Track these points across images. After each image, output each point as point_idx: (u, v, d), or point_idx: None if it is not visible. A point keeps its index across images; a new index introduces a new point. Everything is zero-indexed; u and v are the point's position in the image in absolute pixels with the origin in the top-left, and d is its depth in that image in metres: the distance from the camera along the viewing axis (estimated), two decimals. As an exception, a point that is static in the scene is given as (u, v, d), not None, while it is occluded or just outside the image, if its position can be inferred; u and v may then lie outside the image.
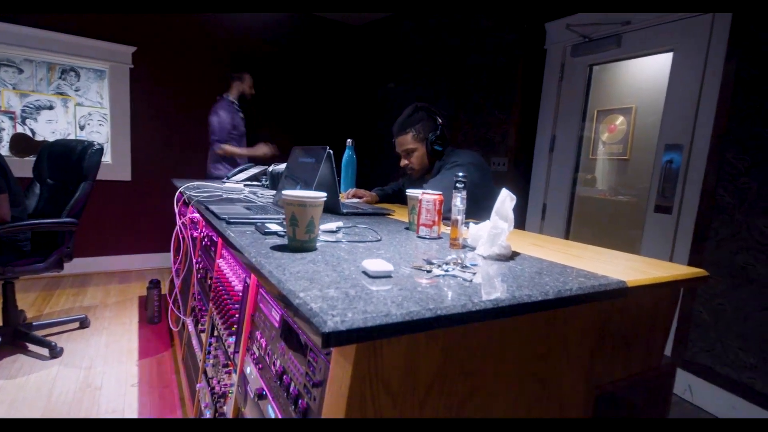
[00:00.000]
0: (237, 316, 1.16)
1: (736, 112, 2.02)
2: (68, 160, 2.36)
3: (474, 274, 0.76)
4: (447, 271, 0.76)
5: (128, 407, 1.81)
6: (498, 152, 3.22)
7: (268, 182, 2.42)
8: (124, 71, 3.53)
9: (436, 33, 3.73)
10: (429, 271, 0.75)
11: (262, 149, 3.37)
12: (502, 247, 0.90)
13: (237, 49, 3.92)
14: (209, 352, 1.42)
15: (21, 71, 3.38)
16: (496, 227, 0.88)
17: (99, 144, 2.37)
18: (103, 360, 2.18)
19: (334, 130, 4.58)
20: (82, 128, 3.76)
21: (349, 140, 2.23)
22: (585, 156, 3.12)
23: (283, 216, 1.28)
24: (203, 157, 3.55)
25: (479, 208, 1.54)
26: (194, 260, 1.90)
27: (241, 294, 1.16)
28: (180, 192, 2.04)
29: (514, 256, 0.95)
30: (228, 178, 2.81)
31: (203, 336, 1.57)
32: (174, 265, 2.10)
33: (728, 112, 2.05)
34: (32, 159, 3.24)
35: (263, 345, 0.93)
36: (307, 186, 1.38)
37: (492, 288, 0.69)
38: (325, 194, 0.87)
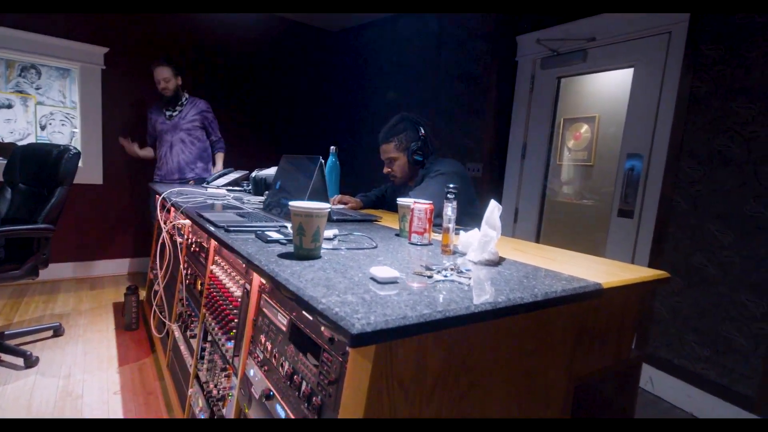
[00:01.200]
0: (236, 321, 1.20)
1: (690, 125, 2.20)
2: (43, 165, 2.30)
3: (470, 279, 0.84)
4: (446, 276, 0.83)
5: (113, 414, 1.80)
6: (473, 158, 3.35)
7: (251, 188, 2.44)
8: (96, 72, 3.45)
9: (411, 41, 3.83)
10: (430, 277, 0.83)
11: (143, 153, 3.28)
12: (491, 254, 0.99)
13: (211, 51, 3.89)
14: (202, 357, 1.45)
15: None
16: (486, 235, 0.97)
17: (75, 149, 2.32)
18: (81, 368, 2.14)
19: (313, 136, 4.61)
20: (43, 128, 3.63)
21: (332, 147, 2.28)
22: (552, 162, 3.29)
23: (278, 223, 1.33)
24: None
25: (461, 213, 1.63)
26: (181, 266, 1.91)
27: (240, 300, 1.20)
28: (164, 198, 2.04)
29: (500, 261, 1.04)
30: (208, 182, 2.81)
31: (194, 341, 1.59)
32: (160, 272, 2.09)
33: (683, 124, 2.24)
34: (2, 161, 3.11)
35: (269, 348, 0.98)
36: (300, 194, 1.43)
37: (489, 292, 0.78)
38: (329, 205, 0.94)
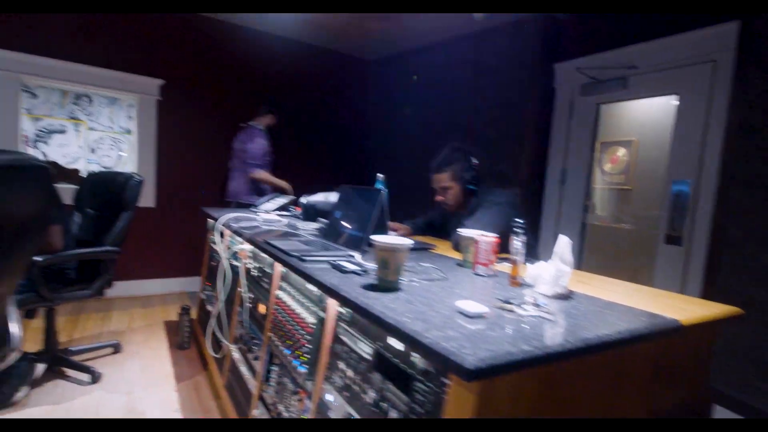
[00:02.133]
0: (309, 346, 1.27)
1: (741, 153, 2.18)
2: (109, 191, 2.47)
3: (551, 313, 0.88)
4: (527, 311, 0.88)
5: (174, 432, 1.87)
6: (511, 184, 3.37)
7: (301, 213, 2.54)
8: (152, 102, 3.68)
9: (447, 68, 3.93)
10: (512, 311, 0.87)
11: (285, 184, 3.52)
12: (563, 288, 1.02)
13: (258, 82, 4.09)
14: (269, 380, 1.51)
15: (35, 96, 3.50)
16: (560, 270, 1.01)
17: (139, 176, 2.48)
18: (141, 385, 2.24)
19: (353, 162, 4.74)
20: (93, 152, 3.87)
21: (379, 175, 2.36)
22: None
23: (343, 252, 1.40)
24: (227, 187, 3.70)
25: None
26: (239, 290, 2.00)
27: (314, 326, 1.27)
28: (223, 223, 2.15)
29: (570, 294, 1.07)
30: (257, 206, 2.93)
31: (257, 363, 1.66)
32: (215, 293, 2.19)
33: (733, 152, 2.22)
34: (64, 186, 3.33)
35: (350, 375, 1.04)
36: (362, 224, 1.50)
37: (575, 328, 0.81)
38: (411, 241, 1.00)
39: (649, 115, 3.93)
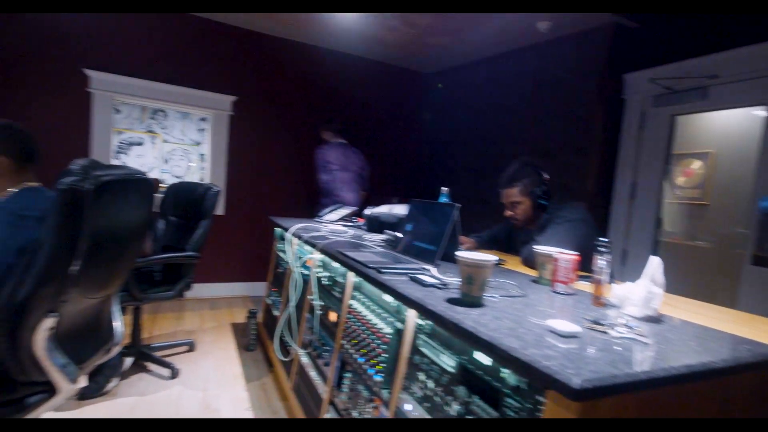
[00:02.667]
0: (385, 355, 1.30)
1: None
2: (190, 200, 2.67)
3: (645, 336, 0.86)
4: (620, 332, 0.86)
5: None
6: (575, 197, 3.27)
7: (365, 224, 2.61)
8: (224, 117, 3.93)
9: (506, 81, 3.89)
10: (605, 333, 0.86)
11: None
12: (654, 310, 0.99)
13: (322, 98, 4.26)
14: (341, 386, 1.56)
15: (119, 112, 3.83)
16: (651, 292, 0.98)
17: (217, 187, 2.66)
18: (214, 383, 2.38)
19: (411, 176, 4.80)
20: (166, 162, 4.19)
21: (444, 188, 2.39)
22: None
23: (417, 265, 1.43)
24: (291, 197, 3.88)
25: (588, 260, 1.63)
26: (308, 297, 2.08)
27: (390, 336, 1.30)
28: (292, 233, 2.26)
29: (660, 317, 1.03)
30: (320, 216, 3.04)
31: (327, 369, 1.72)
32: (281, 299, 2.29)
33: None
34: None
35: (431, 386, 1.06)
36: (434, 238, 1.53)
37: (674, 353, 0.79)
38: (496, 258, 1.01)
39: (726, 126, 3.68)
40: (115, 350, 1.58)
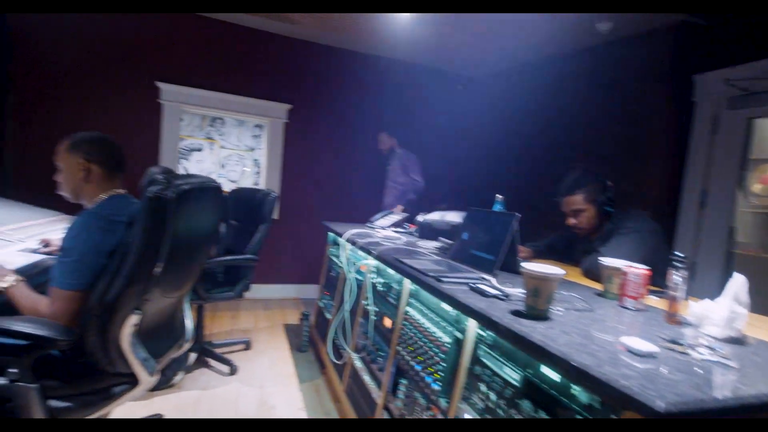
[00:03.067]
0: (443, 364, 1.31)
1: None
2: (250, 205, 2.79)
3: (730, 359, 0.81)
4: (702, 354, 0.82)
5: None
6: (634, 205, 3.10)
7: (417, 231, 2.62)
8: (280, 125, 4.09)
9: (561, 83, 3.77)
10: (684, 353, 0.82)
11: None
12: (737, 331, 0.93)
13: (378, 108, 4.34)
14: (394, 392, 1.58)
15: (182, 120, 4.07)
16: (734, 311, 0.93)
17: (274, 192, 2.77)
18: (270, 381, 2.48)
19: (463, 183, 4.77)
20: (222, 167, 4.40)
21: (499, 196, 2.35)
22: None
23: (474, 274, 1.42)
24: (342, 202, 3.97)
25: (657, 273, 1.55)
26: (362, 301, 2.12)
27: (448, 345, 1.31)
28: (347, 238, 2.31)
29: (743, 338, 0.97)
30: (372, 222, 3.08)
31: (381, 374, 1.75)
32: (335, 303, 2.35)
33: None
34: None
35: (492, 398, 1.06)
36: (492, 248, 1.52)
37: (765, 378, 0.74)
38: (564, 271, 1.00)
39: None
40: (186, 346, 1.69)
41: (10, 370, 1.17)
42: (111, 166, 1.48)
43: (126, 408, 2.05)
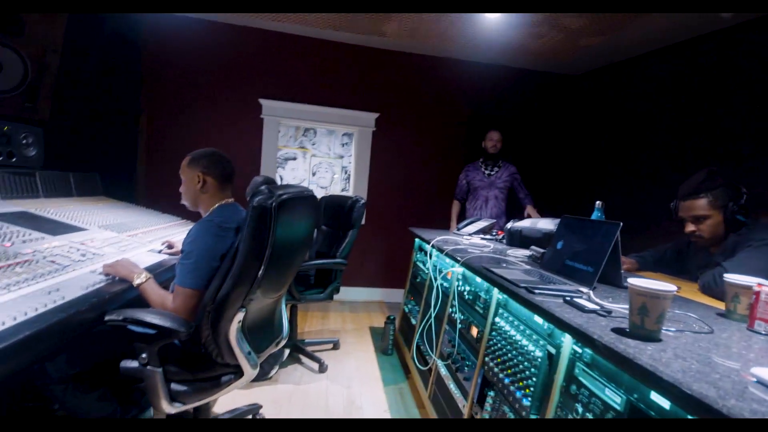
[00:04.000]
0: (534, 380, 1.25)
1: None
2: (340, 211, 2.92)
3: None
4: None
5: (387, 432, 2.07)
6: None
7: (504, 238, 2.54)
8: (368, 133, 4.23)
9: (677, 74, 3.40)
10: (836, 391, 0.70)
11: (453, 223, 3.70)
12: None
13: (462, 110, 4.30)
14: (480, 403, 1.54)
15: (278, 131, 4.37)
16: None
17: (363, 199, 2.87)
18: (357, 381, 2.56)
19: (562, 188, 4.54)
20: (314, 174, 4.64)
21: (598, 202, 2.19)
22: None
23: (568, 285, 1.34)
24: (428, 208, 3.98)
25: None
26: (448, 309, 2.10)
27: (540, 360, 1.25)
28: (433, 244, 2.31)
29: None
30: (459, 229, 3.05)
31: (467, 384, 1.72)
32: (420, 309, 2.35)
33: None
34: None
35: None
36: (592, 259, 1.42)
37: None
38: (676, 287, 0.90)
39: None
40: (282, 343, 1.82)
41: (143, 355, 1.35)
42: (223, 178, 1.65)
43: (229, 397, 2.26)
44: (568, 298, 1.18)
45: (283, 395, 2.33)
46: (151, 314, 1.33)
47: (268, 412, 2.13)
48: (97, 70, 3.24)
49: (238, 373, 1.49)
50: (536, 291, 1.26)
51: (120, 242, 2.08)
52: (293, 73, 4.03)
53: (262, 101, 3.98)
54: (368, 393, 2.44)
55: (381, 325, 3.54)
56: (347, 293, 4.30)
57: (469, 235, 2.81)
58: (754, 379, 0.72)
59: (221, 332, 1.38)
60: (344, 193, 4.36)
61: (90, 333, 1.54)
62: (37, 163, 2.50)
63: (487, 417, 1.50)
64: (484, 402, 1.54)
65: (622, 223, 1.38)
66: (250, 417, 2.03)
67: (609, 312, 1.07)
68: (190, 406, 1.46)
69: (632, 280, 0.92)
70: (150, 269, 1.62)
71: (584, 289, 1.32)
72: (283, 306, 1.85)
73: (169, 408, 1.40)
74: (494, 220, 3.04)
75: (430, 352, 2.23)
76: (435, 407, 2.06)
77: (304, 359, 2.78)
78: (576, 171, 4.48)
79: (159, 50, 3.75)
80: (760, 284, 1.04)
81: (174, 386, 1.41)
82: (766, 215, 2.67)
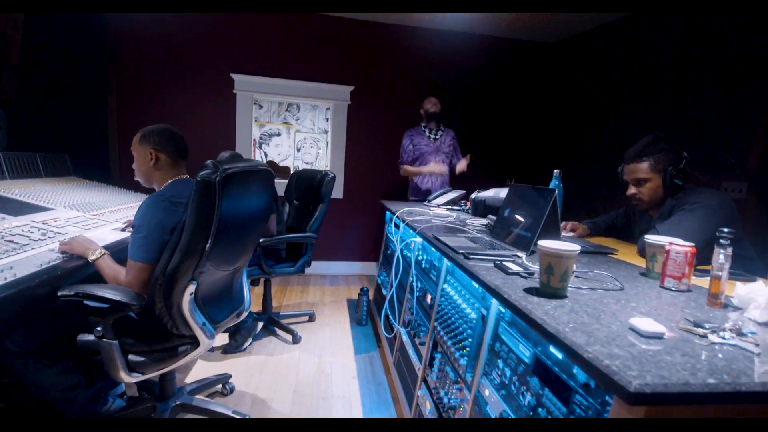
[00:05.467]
0: (470, 340, 1.32)
1: None
2: (310, 186, 2.95)
3: (758, 345, 0.73)
4: (725, 338, 0.75)
5: (353, 396, 2.17)
6: (732, 175, 2.75)
7: (470, 208, 2.58)
8: (343, 107, 4.21)
9: (647, 43, 3.39)
10: (703, 336, 0.76)
11: (430, 167, 3.48)
12: (785, 316, 0.83)
13: (438, 80, 4.26)
14: (433, 365, 1.62)
15: (261, 107, 4.35)
16: (779, 294, 0.82)
17: (332, 173, 2.89)
18: (329, 351, 2.65)
19: (531, 156, 4.57)
20: (298, 150, 4.65)
21: (556, 171, 2.23)
22: None
23: (509, 251, 1.39)
24: (405, 181, 4.00)
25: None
26: (410, 278, 2.17)
27: (475, 321, 1.31)
28: (397, 216, 2.35)
29: (797, 325, 0.86)
30: (428, 201, 3.09)
31: (423, 349, 1.79)
32: (388, 278, 2.42)
33: None
34: (279, 181, 4.12)
35: (507, 374, 1.05)
36: (531, 226, 1.47)
37: (790, 367, 0.66)
38: (579, 247, 0.95)
39: None
40: (245, 314, 1.88)
41: (98, 328, 1.40)
42: (176, 154, 1.66)
43: (201, 368, 2.34)
44: (498, 262, 1.24)
45: (255, 365, 2.41)
46: (103, 288, 1.37)
47: (238, 382, 2.21)
48: (61, 48, 3.18)
49: (195, 343, 1.54)
50: (471, 256, 1.31)
51: (86, 221, 2.11)
52: (265, 46, 3.96)
53: (235, 76, 3.93)
54: (339, 361, 2.52)
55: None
56: (327, 267, 4.37)
57: (438, 206, 2.85)
58: (629, 327, 0.78)
59: (173, 304, 1.43)
60: (322, 166, 4.38)
61: (49, 309, 1.59)
62: (0, 145, 2.49)
63: (434, 378, 1.57)
64: (433, 364, 1.62)
65: (555, 190, 1.42)
66: (219, 386, 2.11)
67: (531, 274, 1.13)
68: (149, 376, 1.52)
69: (541, 242, 0.97)
70: (110, 246, 1.65)
71: (521, 254, 1.38)
72: (244, 278, 1.90)
73: (127, 378, 1.46)
74: (464, 191, 3.08)
75: (394, 321, 2.30)
76: (398, 372, 2.15)
77: (279, 332, 2.86)
78: (547, 141, 4.50)
79: (125, 25, 3.67)
80: (671, 243, 1.09)
81: (132, 357, 1.47)
82: (737, 180, 2.74)
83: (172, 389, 1.80)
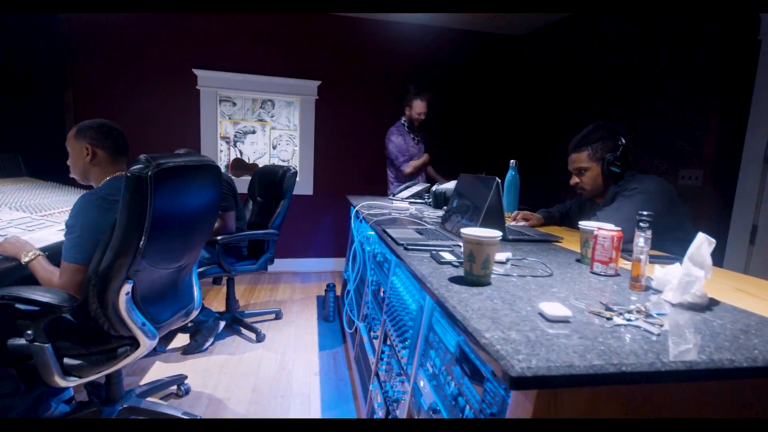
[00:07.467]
0: (411, 332, 1.30)
1: None
2: (272, 182, 2.90)
3: (661, 326, 0.73)
4: (629, 320, 0.74)
5: (313, 393, 2.14)
6: (689, 163, 2.80)
7: (431, 200, 2.58)
8: (311, 102, 4.15)
9: (609, 35, 3.43)
10: (609, 319, 0.75)
11: (425, 158, 3.55)
12: (695, 296, 0.83)
13: (406, 73, 4.24)
14: (382, 359, 1.60)
15: (234, 104, 4.27)
16: (689, 274, 0.82)
17: (294, 169, 2.85)
18: (293, 348, 2.61)
19: (495, 147, 4.58)
20: (274, 147, 4.57)
21: (512, 161, 2.24)
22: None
23: (453, 242, 1.38)
24: (375, 175, 3.96)
25: (665, 239, 1.40)
26: (368, 273, 2.15)
27: (415, 313, 1.30)
28: (357, 210, 2.33)
29: (711, 305, 0.86)
30: (394, 195, 3.07)
31: (376, 342, 1.78)
32: (352, 273, 2.40)
33: None
34: (247, 178, 4.05)
35: (437, 364, 1.04)
36: (475, 215, 1.46)
37: (683, 346, 0.66)
38: (500, 233, 0.94)
39: None
40: (195, 313, 1.83)
41: (28, 332, 1.35)
42: (115, 150, 1.61)
43: (159, 370, 2.29)
44: (434, 252, 1.22)
45: (215, 366, 2.37)
46: (32, 291, 1.31)
47: (196, 383, 2.16)
48: (12, 43, 3.06)
49: (135, 344, 1.50)
50: (410, 247, 1.29)
51: (30, 222, 2.03)
52: (229, 41, 3.89)
53: (197, 71, 3.84)
54: (301, 358, 2.49)
55: (326, 293, 3.60)
56: (299, 264, 4.33)
57: (402, 199, 2.84)
58: (538, 312, 0.77)
59: (108, 304, 1.38)
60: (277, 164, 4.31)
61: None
62: (-60, 145, 2.38)
63: (383, 371, 1.56)
64: (382, 357, 1.60)
65: (498, 178, 1.41)
66: (174, 388, 2.06)
67: (462, 263, 1.11)
68: (87, 379, 1.47)
69: (463, 230, 0.95)
70: (51, 247, 1.59)
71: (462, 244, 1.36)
72: (194, 276, 1.85)
73: (63, 382, 1.40)
74: (428, 184, 3.07)
75: (353, 316, 2.28)
76: (357, 368, 2.13)
77: (243, 331, 2.81)
78: (514, 131, 4.53)
79: (80, 18, 3.55)
80: (599, 228, 1.09)
81: (67, 360, 1.42)
82: (692, 166, 2.79)
83: (120, 392, 1.75)
